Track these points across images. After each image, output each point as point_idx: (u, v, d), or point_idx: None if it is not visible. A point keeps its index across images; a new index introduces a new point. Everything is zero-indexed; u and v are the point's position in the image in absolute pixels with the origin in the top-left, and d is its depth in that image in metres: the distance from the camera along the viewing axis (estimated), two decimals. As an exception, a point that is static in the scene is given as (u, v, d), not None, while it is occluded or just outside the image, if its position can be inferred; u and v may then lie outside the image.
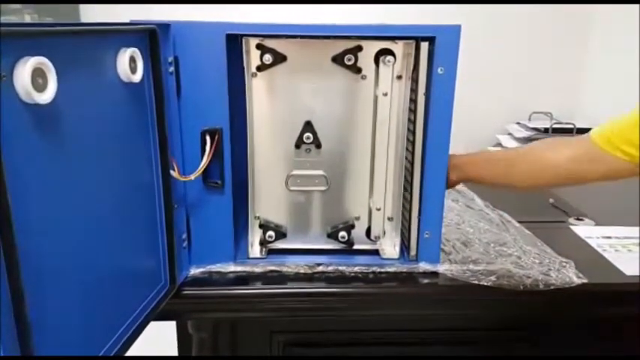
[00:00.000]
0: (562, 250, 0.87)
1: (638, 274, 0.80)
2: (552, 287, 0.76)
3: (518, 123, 2.34)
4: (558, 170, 0.80)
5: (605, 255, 0.88)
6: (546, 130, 2.19)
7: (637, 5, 2.05)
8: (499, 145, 2.34)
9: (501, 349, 0.82)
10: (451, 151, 0.77)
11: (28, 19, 2.01)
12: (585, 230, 0.99)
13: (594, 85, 2.34)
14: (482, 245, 0.91)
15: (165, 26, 0.65)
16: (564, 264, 0.83)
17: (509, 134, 2.33)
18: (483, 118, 2.27)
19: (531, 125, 2.26)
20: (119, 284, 0.59)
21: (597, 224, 1.03)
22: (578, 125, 2.19)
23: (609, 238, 0.95)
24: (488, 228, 0.99)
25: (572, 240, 0.95)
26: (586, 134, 0.79)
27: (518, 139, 2.26)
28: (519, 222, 1.02)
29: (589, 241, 0.94)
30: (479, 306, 0.79)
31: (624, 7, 2.13)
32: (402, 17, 2.17)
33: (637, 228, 0.99)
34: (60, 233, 0.47)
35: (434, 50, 0.70)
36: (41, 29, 0.42)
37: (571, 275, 0.79)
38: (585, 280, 0.77)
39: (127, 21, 0.62)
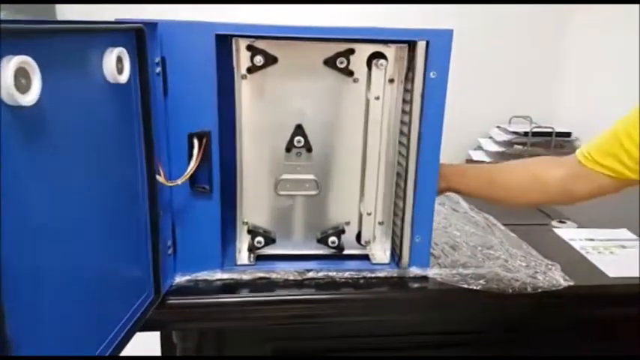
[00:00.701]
0: (547, 253, 0.88)
1: (621, 276, 0.81)
2: (540, 290, 0.77)
3: (498, 127, 2.37)
4: (548, 188, 0.82)
5: (589, 257, 0.89)
6: (526, 134, 2.22)
7: (614, 10, 2.09)
8: (480, 148, 2.37)
9: (491, 352, 0.82)
10: None
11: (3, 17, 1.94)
12: (568, 233, 1.00)
13: (572, 90, 2.39)
14: (470, 248, 0.91)
15: (152, 25, 0.63)
16: (550, 266, 0.84)
17: (490, 138, 2.36)
18: (464, 121, 2.30)
19: (511, 129, 2.29)
20: (103, 294, 0.56)
21: (580, 227, 1.04)
22: (557, 129, 2.23)
23: (592, 240, 0.96)
24: (475, 231, 0.99)
25: (556, 242, 0.96)
26: (574, 154, 0.81)
27: (498, 143, 2.29)
28: (504, 225, 1.02)
29: (572, 243, 0.95)
30: (469, 310, 0.79)
31: (602, 13, 2.17)
32: (398, 18, 2.17)
33: (618, 230, 1.01)
34: (41, 240, 0.44)
35: (426, 54, 0.70)
36: (25, 27, 0.39)
37: (558, 278, 0.79)
38: (571, 283, 0.78)
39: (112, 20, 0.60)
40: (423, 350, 0.82)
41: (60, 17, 2.08)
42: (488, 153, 2.31)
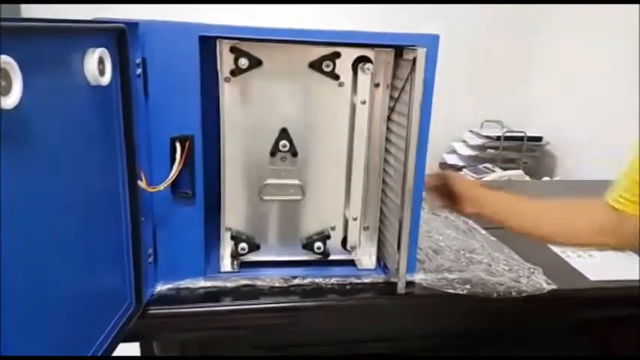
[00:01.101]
0: (528, 257, 0.88)
1: (601, 279, 0.82)
2: (524, 294, 0.77)
3: (471, 131, 2.40)
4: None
5: (569, 261, 0.90)
6: (498, 138, 2.26)
7: (586, 15, 2.15)
8: (454, 152, 2.40)
9: (478, 355, 0.82)
10: None
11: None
12: (548, 236, 1.01)
13: (543, 95, 2.44)
14: (453, 253, 0.91)
15: (133, 25, 0.60)
16: (533, 270, 0.84)
17: (464, 142, 2.39)
18: (438, 126, 2.32)
19: (484, 133, 2.32)
20: (83, 305, 0.53)
21: (558, 230, 1.06)
22: (529, 134, 2.28)
23: (571, 244, 0.97)
24: (456, 235, 1.00)
25: (536, 246, 0.97)
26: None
27: (472, 147, 2.32)
28: (484, 228, 1.03)
29: (552, 247, 0.96)
30: (456, 314, 0.78)
31: (574, 18, 2.22)
32: (360, 20, 2.17)
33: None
34: (17, 248, 0.42)
35: (414, 60, 0.69)
36: (6, 25, 0.37)
37: (541, 282, 0.80)
38: (555, 287, 0.79)
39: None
40: (410, 355, 0.82)
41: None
42: (462, 157, 2.34)
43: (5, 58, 0.36)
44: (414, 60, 0.66)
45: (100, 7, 2.00)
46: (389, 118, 0.76)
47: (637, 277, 0.81)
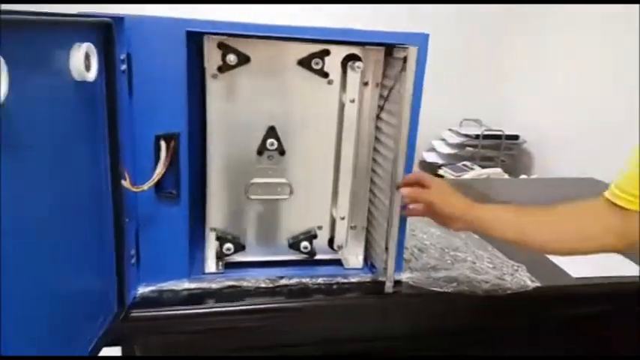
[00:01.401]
0: (511, 254, 0.89)
1: (583, 276, 0.84)
2: (509, 292, 0.78)
3: (450, 129, 2.42)
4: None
5: (551, 258, 0.91)
6: (477, 137, 2.28)
7: (562, 15, 2.18)
8: (433, 150, 2.41)
9: (467, 353, 0.82)
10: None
11: None
12: (529, 234, 1.02)
13: (520, 93, 2.47)
14: (438, 251, 0.92)
15: (118, 20, 0.58)
16: (516, 268, 0.85)
17: (443, 140, 2.41)
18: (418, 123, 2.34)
19: (463, 132, 2.34)
20: (64, 309, 0.51)
21: (539, 228, 1.07)
22: (507, 132, 2.30)
23: (552, 241, 0.99)
24: (440, 234, 1.00)
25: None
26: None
27: (451, 145, 2.34)
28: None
29: (533, 244, 0.97)
30: (443, 313, 0.79)
31: (550, 17, 2.25)
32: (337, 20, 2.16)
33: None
34: None
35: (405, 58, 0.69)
36: None
37: (525, 279, 0.81)
38: (538, 284, 0.80)
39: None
40: (399, 354, 0.81)
41: None
42: (441, 155, 2.36)
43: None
44: (405, 58, 0.65)
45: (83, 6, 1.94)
46: (378, 117, 0.75)
47: (618, 274, 0.83)
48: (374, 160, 0.77)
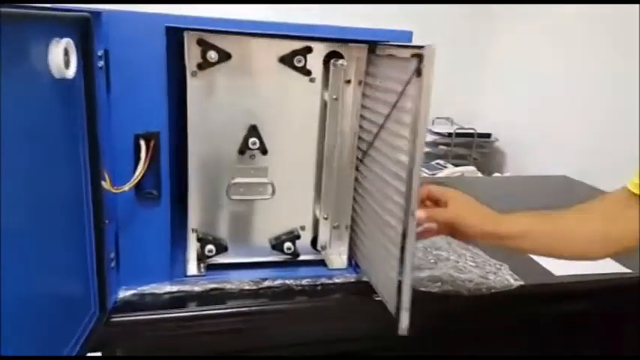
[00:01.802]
0: (493, 253, 0.90)
1: (565, 274, 0.85)
2: (493, 290, 0.78)
3: (423, 128, 2.44)
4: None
5: (532, 257, 0.92)
6: (450, 135, 2.31)
7: (534, 13, 2.22)
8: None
9: (452, 353, 0.83)
10: None
11: None
12: (509, 232, 1.04)
13: (492, 91, 2.51)
14: (420, 250, 0.92)
15: (95, 14, 0.56)
16: (499, 266, 0.86)
17: (417, 138, 2.43)
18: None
19: (435, 130, 2.37)
20: (43, 316, 0.49)
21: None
22: (479, 130, 2.34)
23: (532, 238, 1.00)
24: (420, 232, 1.00)
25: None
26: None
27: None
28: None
29: (513, 242, 0.98)
30: (429, 313, 0.78)
31: (522, 16, 2.29)
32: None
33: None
34: None
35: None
36: None
37: (508, 278, 0.82)
38: (522, 283, 0.81)
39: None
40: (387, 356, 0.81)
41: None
42: (415, 153, 2.37)
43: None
44: (419, 59, 0.57)
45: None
46: (362, 116, 0.75)
47: (600, 271, 0.85)
48: (357, 159, 0.76)
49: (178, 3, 1.97)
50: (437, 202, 0.69)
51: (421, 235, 0.68)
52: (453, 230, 0.67)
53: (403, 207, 0.60)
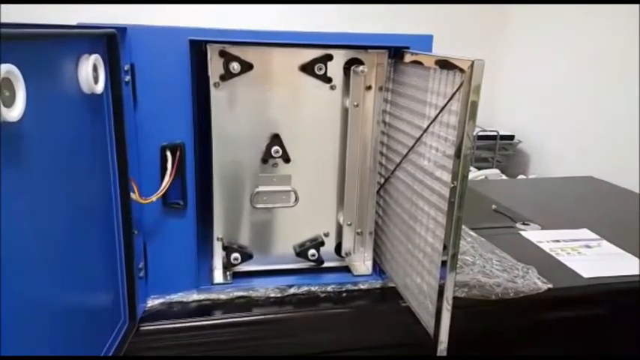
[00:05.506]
0: (520, 257, 0.89)
1: (594, 276, 0.83)
2: (522, 294, 0.77)
3: (445, 131, 2.43)
4: None
5: (560, 259, 0.90)
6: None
7: (553, 14, 2.19)
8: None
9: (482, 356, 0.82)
10: None
11: None
12: (535, 235, 1.02)
13: (513, 93, 2.48)
14: (445, 255, 0.91)
15: (121, 30, 0.58)
16: (527, 270, 0.85)
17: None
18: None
19: (458, 133, 2.35)
20: (75, 326, 0.50)
21: (543, 228, 1.07)
22: (501, 132, 2.31)
23: (558, 241, 0.99)
24: (445, 237, 0.99)
25: (525, 245, 0.98)
26: None
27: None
28: (470, 229, 1.03)
29: (541, 245, 0.97)
30: (457, 318, 0.78)
31: (542, 17, 2.27)
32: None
33: (579, 231, 1.04)
34: (5, 263, 0.38)
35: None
36: (11, 31, 0.33)
37: (536, 281, 0.80)
38: (550, 285, 0.79)
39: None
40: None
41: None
42: (437, 157, 2.36)
43: (8, 66, 0.33)
44: (467, 74, 0.55)
45: (69, 7, 1.92)
46: (384, 122, 0.75)
47: (629, 273, 0.83)
48: (381, 164, 0.76)
49: (189, 3, 2.01)
50: None
51: None
52: None
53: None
